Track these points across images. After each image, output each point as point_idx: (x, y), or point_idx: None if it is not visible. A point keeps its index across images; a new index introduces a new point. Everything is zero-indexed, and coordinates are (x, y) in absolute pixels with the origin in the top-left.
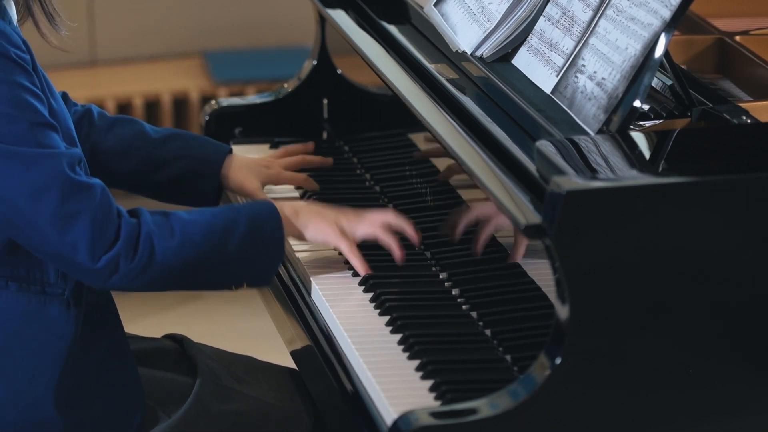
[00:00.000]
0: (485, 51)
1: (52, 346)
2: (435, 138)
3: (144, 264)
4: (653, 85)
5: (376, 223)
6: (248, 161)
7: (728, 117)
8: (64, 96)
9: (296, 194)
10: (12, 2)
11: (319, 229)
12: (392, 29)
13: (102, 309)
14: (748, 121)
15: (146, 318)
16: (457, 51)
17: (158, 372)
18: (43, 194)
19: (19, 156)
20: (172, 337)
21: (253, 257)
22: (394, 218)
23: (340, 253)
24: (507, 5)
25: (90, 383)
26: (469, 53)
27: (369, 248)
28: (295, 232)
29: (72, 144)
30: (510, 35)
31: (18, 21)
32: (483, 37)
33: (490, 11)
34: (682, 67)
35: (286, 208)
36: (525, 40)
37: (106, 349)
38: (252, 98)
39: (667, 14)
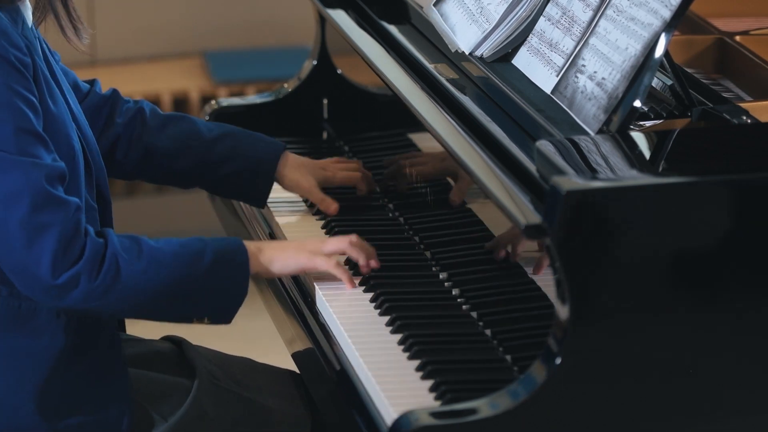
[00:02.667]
0: (484, 51)
1: (40, 354)
2: (435, 138)
3: (108, 284)
4: (653, 85)
5: (343, 240)
6: (304, 160)
7: (728, 117)
8: (115, 93)
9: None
10: (28, 4)
11: (286, 261)
12: (392, 29)
13: (95, 319)
14: (748, 121)
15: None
16: (456, 51)
17: (156, 374)
18: (14, 201)
19: None
20: (170, 339)
21: (217, 290)
22: (357, 241)
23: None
24: (506, 6)
25: (76, 392)
26: (467, 54)
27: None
28: (261, 269)
29: (70, 152)
30: (510, 35)
31: (35, 23)
32: (482, 37)
33: (489, 12)
34: (682, 67)
35: (250, 246)
36: (525, 40)
37: (95, 359)
38: (252, 98)
39: (667, 14)
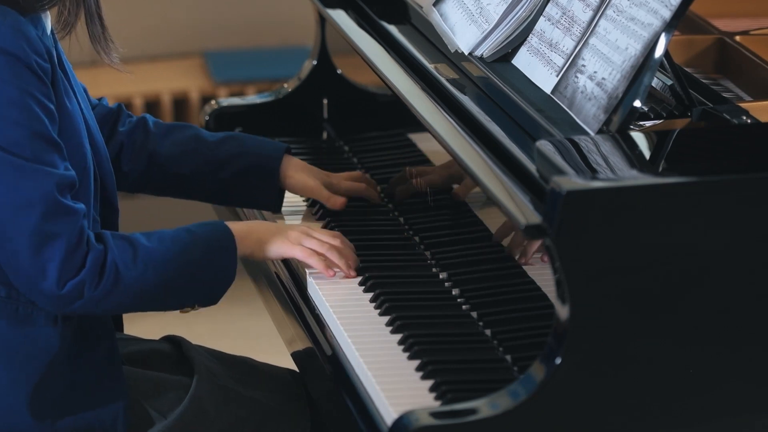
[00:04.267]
0: (484, 51)
1: (36, 357)
2: (435, 138)
3: (108, 291)
4: (653, 85)
5: (324, 243)
6: (307, 164)
7: (728, 117)
8: (120, 107)
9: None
10: (48, 13)
11: (270, 247)
12: (392, 29)
13: (93, 322)
14: (748, 121)
15: (146, 318)
16: (455, 51)
17: (154, 373)
18: (26, 209)
19: (13, 165)
20: (170, 339)
21: (208, 280)
22: (340, 244)
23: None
24: (505, 6)
25: (72, 393)
26: (466, 54)
27: (369, 249)
28: (247, 252)
29: (82, 160)
30: (510, 35)
31: (57, 33)
32: (481, 38)
33: (488, 12)
34: (682, 67)
35: (236, 231)
36: (525, 40)
37: (92, 361)
38: (252, 98)
39: (667, 14)
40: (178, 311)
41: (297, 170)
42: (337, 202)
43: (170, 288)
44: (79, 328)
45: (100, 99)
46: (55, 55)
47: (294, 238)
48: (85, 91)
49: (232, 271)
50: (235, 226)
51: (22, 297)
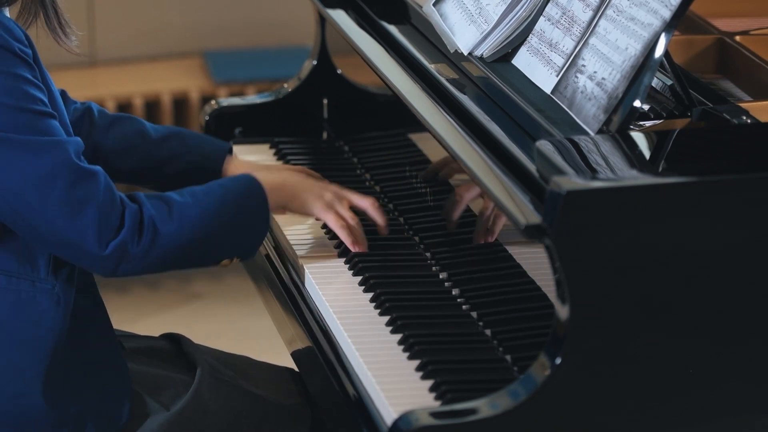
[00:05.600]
0: (483, 52)
1: (41, 339)
2: (435, 138)
3: (147, 247)
4: (653, 85)
5: (365, 200)
6: (250, 162)
7: (728, 117)
8: (63, 94)
9: None
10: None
11: (302, 204)
12: (392, 29)
13: (89, 311)
14: (748, 121)
15: (146, 318)
16: (455, 51)
17: (155, 369)
18: (50, 182)
19: (25, 145)
20: (169, 337)
21: (241, 233)
22: (373, 208)
23: (339, 253)
24: (504, 6)
25: (78, 377)
26: (465, 54)
27: (369, 248)
28: (281, 203)
29: (67, 132)
30: (510, 35)
31: (23, 25)
32: (480, 38)
33: (487, 13)
34: (682, 67)
35: (269, 181)
36: (525, 40)
37: (95, 346)
38: (252, 98)
39: (667, 14)
40: (218, 265)
41: (237, 166)
42: None
43: (207, 241)
44: (77, 312)
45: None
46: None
47: (328, 200)
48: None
49: (265, 222)
50: (267, 178)
51: (23, 282)
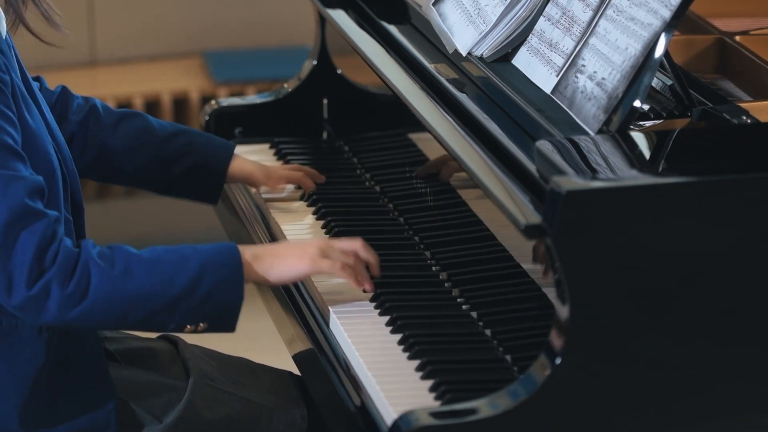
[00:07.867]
0: (483, 52)
1: (22, 367)
2: (435, 138)
3: (81, 291)
4: (653, 85)
5: (354, 241)
6: (247, 159)
7: (728, 117)
8: (64, 90)
9: (296, 193)
10: (1, 13)
11: (286, 270)
12: (392, 29)
13: (76, 334)
14: (748, 121)
15: None
16: (454, 51)
17: (148, 374)
18: None
19: None
20: (166, 338)
21: (208, 297)
22: (363, 249)
23: None
24: (503, 7)
25: (60, 403)
26: (464, 55)
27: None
28: (257, 277)
29: (49, 168)
30: (510, 35)
31: (8, 30)
32: (478, 39)
33: (486, 13)
34: (682, 67)
35: (245, 253)
36: (525, 40)
37: (78, 372)
38: (252, 98)
39: (667, 14)
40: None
41: (243, 169)
42: (276, 184)
43: (158, 300)
44: (63, 340)
45: (37, 78)
46: (14, 61)
47: (316, 250)
48: (38, 80)
49: (238, 292)
50: (245, 249)
51: (4, 309)
